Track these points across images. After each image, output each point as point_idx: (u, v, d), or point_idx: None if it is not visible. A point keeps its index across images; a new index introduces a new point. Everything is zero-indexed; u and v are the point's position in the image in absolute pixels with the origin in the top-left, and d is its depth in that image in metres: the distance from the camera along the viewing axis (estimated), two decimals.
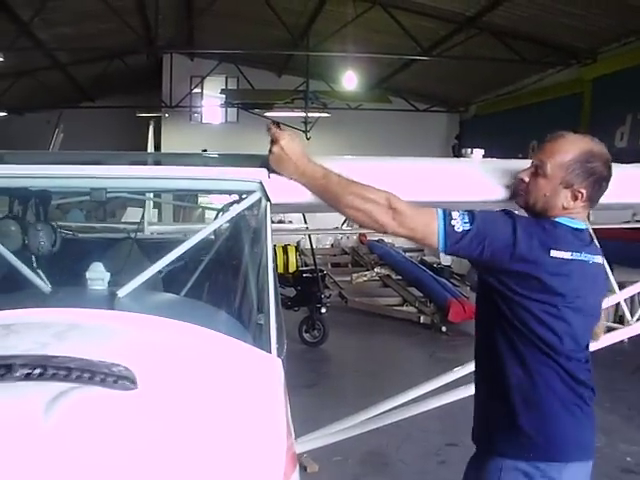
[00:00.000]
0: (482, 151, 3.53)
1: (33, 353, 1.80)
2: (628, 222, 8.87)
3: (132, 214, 11.18)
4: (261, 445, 1.89)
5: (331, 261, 19.09)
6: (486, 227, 2.67)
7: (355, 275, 16.87)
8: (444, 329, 13.11)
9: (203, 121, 23.71)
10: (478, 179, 3.10)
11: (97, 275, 2.75)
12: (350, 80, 17.97)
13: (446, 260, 20.14)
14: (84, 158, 3.24)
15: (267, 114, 19.42)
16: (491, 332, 2.82)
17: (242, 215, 3.01)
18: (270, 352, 2.61)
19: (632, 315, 4.33)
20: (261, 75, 21.97)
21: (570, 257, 2.66)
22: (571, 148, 2.72)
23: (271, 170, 2.82)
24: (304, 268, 12.38)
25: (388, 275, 16.60)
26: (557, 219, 2.73)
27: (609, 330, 4.30)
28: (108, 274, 2.78)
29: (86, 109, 24.44)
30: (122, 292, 2.60)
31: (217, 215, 3.95)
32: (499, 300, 2.74)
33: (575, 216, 2.75)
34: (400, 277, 16.22)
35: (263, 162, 2.87)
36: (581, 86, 15.71)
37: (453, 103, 23.47)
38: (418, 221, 2.72)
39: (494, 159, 3.43)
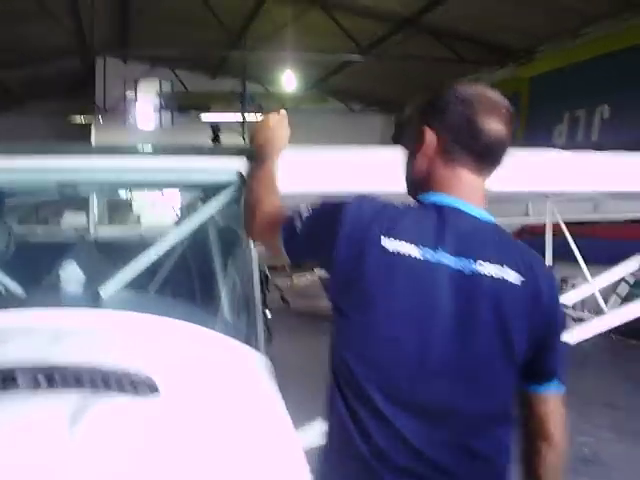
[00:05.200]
0: None
1: (33, 361, 1.61)
2: None
3: (71, 218, 10.75)
4: (282, 443, 1.76)
5: (268, 263, 18.89)
6: (319, 213, 2.09)
7: (295, 277, 16.73)
8: None
9: (137, 125, 23.31)
10: None
11: (72, 275, 2.57)
12: (288, 81, 17.87)
13: None
14: (45, 149, 2.88)
15: (204, 117, 19.24)
16: None
17: (221, 209, 2.79)
18: (259, 350, 2.49)
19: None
20: (195, 78, 21.67)
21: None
22: None
23: (250, 159, 2.69)
24: None
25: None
26: None
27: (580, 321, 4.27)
28: (82, 274, 2.61)
29: (15, 114, 23.77)
30: (105, 292, 2.40)
31: (184, 210, 3.79)
32: None
33: None
34: None
35: (241, 151, 2.74)
36: (518, 85, 15.84)
37: (389, 104, 23.52)
38: (268, 217, 2.26)
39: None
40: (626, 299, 9.61)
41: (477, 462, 1.99)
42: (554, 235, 4.02)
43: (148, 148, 3.12)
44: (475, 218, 2.02)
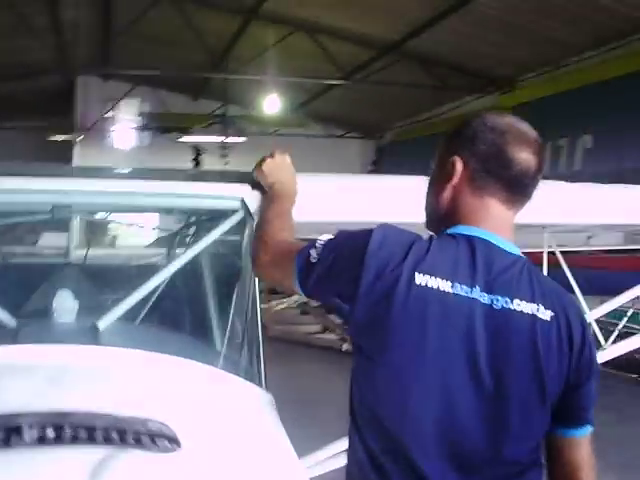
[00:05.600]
0: None
1: (38, 409, 1.43)
2: None
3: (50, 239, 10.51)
4: None
5: None
6: (339, 244, 1.97)
7: (274, 302, 16.61)
8: None
9: (116, 145, 23.16)
10: None
11: (66, 305, 2.39)
12: (269, 105, 17.83)
13: None
14: (43, 171, 2.81)
15: (183, 139, 19.14)
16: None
17: (224, 237, 2.66)
18: (262, 386, 2.38)
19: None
20: (176, 99, 21.55)
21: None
22: None
23: (254, 186, 2.61)
24: None
25: (306, 302, 16.42)
26: None
27: None
28: (77, 303, 2.46)
29: None
30: (102, 324, 2.23)
31: (175, 237, 3.67)
32: None
33: None
34: (319, 304, 16.08)
35: (244, 177, 2.66)
36: None
37: (370, 129, 23.57)
38: (280, 248, 2.13)
39: None
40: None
41: None
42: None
43: (145, 171, 3.00)
44: (507, 253, 1.94)
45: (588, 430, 2.03)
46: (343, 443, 3.41)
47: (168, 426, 1.44)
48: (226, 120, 18.04)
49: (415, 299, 1.80)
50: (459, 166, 1.99)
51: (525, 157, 1.95)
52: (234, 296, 2.56)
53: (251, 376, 2.37)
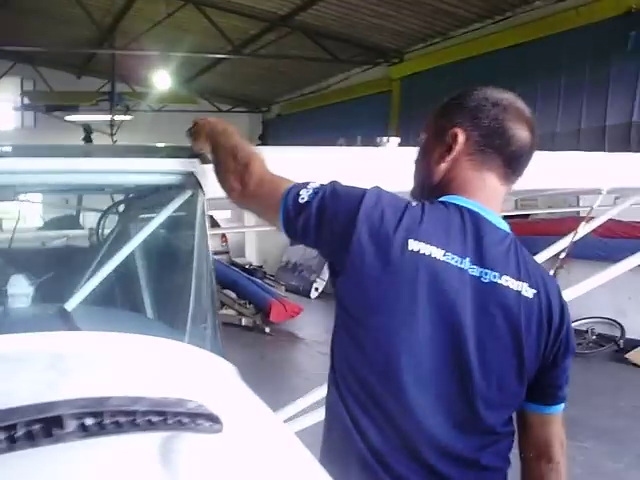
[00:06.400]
0: (398, 139, 3.48)
1: (61, 397, 1.32)
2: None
3: None
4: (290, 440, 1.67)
5: None
6: (334, 196, 1.94)
7: None
8: (267, 330, 13.20)
9: None
10: (395, 168, 2.98)
11: (21, 290, 2.36)
12: (158, 81, 17.50)
13: (258, 261, 20.36)
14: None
15: (69, 117, 18.59)
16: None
17: (178, 212, 2.62)
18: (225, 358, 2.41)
19: None
20: (59, 76, 20.86)
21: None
22: None
23: (203, 159, 2.60)
24: None
25: None
26: None
27: None
28: (32, 288, 2.42)
29: None
30: (69, 306, 2.22)
31: (101, 218, 3.63)
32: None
33: None
34: None
35: (186, 151, 2.65)
36: (389, 85, 16.13)
37: (256, 103, 23.47)
38: (265, 188, 2.09)
39: (410, 147, 3.38)
40: None
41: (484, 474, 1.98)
42: None
43: (96, 148, 2.95)
44: (498, 228, 1.98)
45: (560, 408, 2.10)
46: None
47: (205, 406, 1.40)
48: (113, 97, 17.57)
49: (407, 264, 1.82)
50: (461, 138, 1.99)
51: (524, 134, 1.98)
52: (190, 271, 2.55)
53: (218, 350, 2.39)
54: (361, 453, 1.91)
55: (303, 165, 2.71)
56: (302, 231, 1.95)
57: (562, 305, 2.03)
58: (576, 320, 9.58)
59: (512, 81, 10.48)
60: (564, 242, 3.92)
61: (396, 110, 15.89)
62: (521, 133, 1.99)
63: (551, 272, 4.20)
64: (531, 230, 9.97)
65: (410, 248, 1.83)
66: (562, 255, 4.21)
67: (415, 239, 1.84)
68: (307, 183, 2.00)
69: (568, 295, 3.62)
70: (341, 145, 14.54)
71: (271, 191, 2.05)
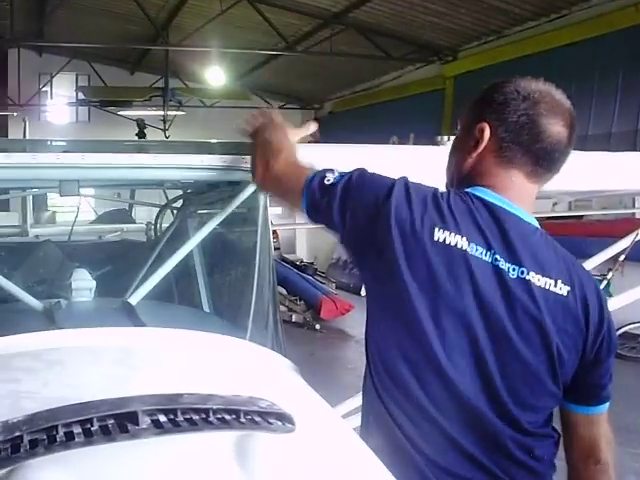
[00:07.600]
0: None
1: (129, 393, 1.31)
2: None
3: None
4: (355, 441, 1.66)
5: None
6: (361, 180, 1.90)
7: None
8: (318, 327, 13.12)
9: (53, 120, 22.62)
10: None
11: (84, 284, 2.38)
12: (211, 77, 17.61)
13: (308, 258, 20.31)
14: (47, 146, 2.67)
15: (123, 112, 18.79)
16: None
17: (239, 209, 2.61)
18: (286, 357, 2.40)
19: None
20: (113, 72, 21.17)
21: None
22: None
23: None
24: None
25: None
26: None
27: None
28: (94, 281, 2.43)
29: None
30: (134, 300, 2.22)
31: (160, 213, 3.64)
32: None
33: None
34: None
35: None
36: (443, 83, 16.03)
37: (308, 100, 23.50)
38: (290, 170, 2.07)
39: None
40: None
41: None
42: None
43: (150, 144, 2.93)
44: (525, 222, 1.90)
45: (605, 407, 2.02)
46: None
47: (277, 405, 1.38)
48: (167, 93, 17.71)
49: (434, 254, 1.77)
50: (487, 133, 1.90)
51: (557, 130, 1.87)
52: (255, 270, 2.55)
53: (280, 348, 2.38)
54: (400, 443, 1.85)
55: (359, 164, 2.70)
56: (325, 212, 1.92)
57: (601, 302, 1.94)
58: (631, 323, 9.36)
59: (567, 80, 10.32)
60: (621, 244, 3.82)
61: (449, 108, 15.77)
62: (554, 128, 1.87)
63: (609, 275, 4.18)
64: (584, 231, 9.82)
65: (436, 238, 1.78)
66: (621, 258, 4.13)
67: (441, 229, 1.79)
68: (333, 169, 1.96)
69: (622, 298, 3.56)
70: (394, 143, 14.53)
71: (296, 174, 2.04)
